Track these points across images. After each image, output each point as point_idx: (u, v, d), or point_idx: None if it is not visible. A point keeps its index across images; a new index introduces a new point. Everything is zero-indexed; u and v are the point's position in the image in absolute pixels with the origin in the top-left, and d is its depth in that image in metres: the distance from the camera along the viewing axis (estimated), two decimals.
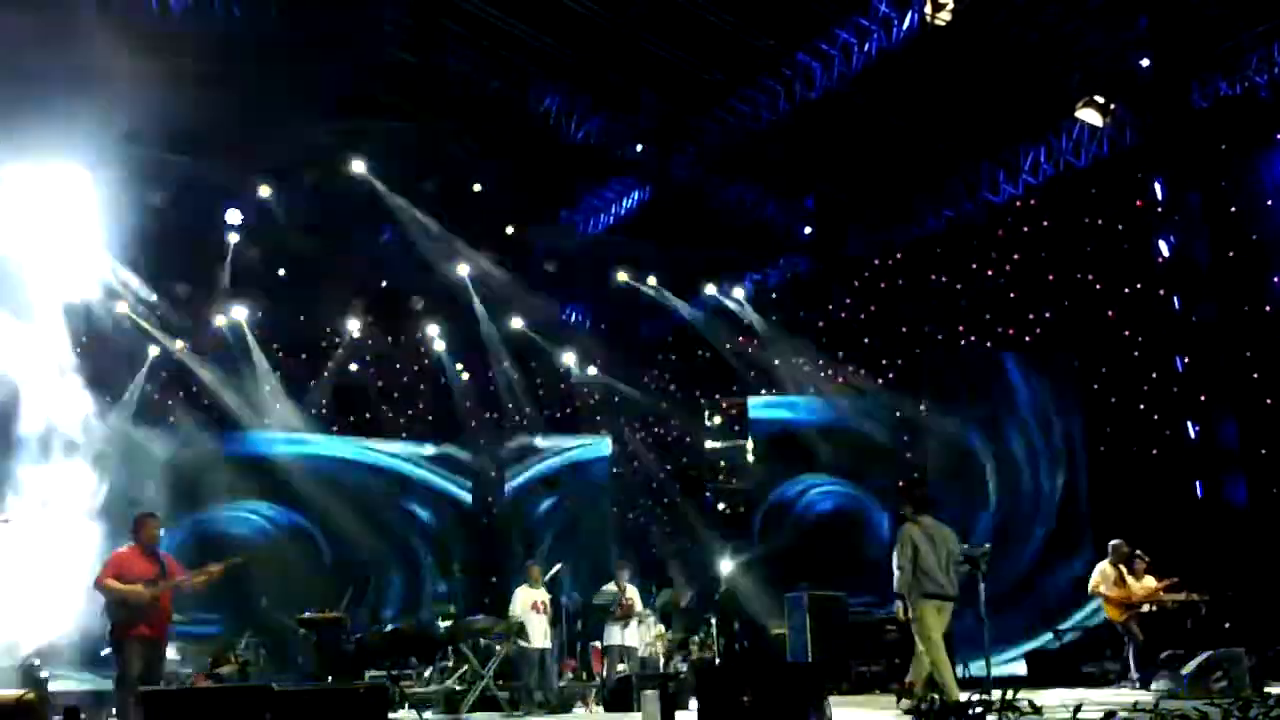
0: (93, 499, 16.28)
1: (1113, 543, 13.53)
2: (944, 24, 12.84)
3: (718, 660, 15.17)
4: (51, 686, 12.37)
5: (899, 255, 18.36)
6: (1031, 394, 16.82)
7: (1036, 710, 7.32)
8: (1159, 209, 14.90)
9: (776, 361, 19.52)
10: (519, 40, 14.81)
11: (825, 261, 19.20)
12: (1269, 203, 14.62)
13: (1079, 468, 16.69)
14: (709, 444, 20.39)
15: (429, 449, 20.48)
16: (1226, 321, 14.31)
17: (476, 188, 16.77)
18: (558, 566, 14.72)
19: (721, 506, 20.44)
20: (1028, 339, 17.36)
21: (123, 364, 17.39)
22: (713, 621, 15.59)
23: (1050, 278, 16.86)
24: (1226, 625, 13.04)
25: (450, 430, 20.53)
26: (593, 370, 20.90)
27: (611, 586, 13.56)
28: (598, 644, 14.50)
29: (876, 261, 18.69)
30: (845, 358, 19.22)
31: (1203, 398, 14.18)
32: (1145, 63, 14.26)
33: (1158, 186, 14.85)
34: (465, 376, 20.47)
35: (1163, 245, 14.77)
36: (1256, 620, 12.64)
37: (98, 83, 11.62)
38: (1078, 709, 6.17)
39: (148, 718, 7.10)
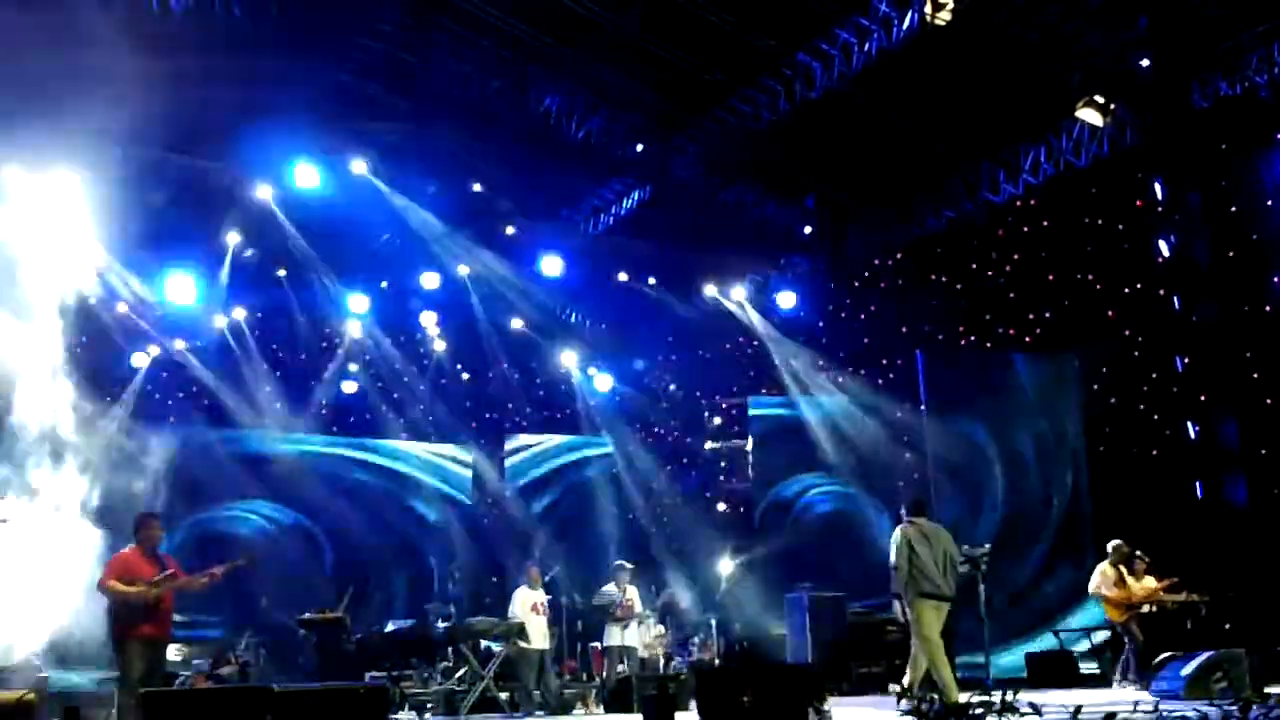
0: (91, 499, 16.31)
1: (1113, 543, 13.53)
2: (944, 24, 12.84)
3: (718, 661, 15.19)
4: (52, 686, 12.35)
5: (899, 255, 18.36)
6: (1032, 394, 16.80)
7: (1036, 711, 7.31)
8: (1159, 209, 14.89)
9: (776, 362, 19.53)
10: (520, 40, 14.80)
11: (825, 261, 19.21)
12: (1269, 203, 14.62)
13: (1080, 468, 16.68)
14: (709, 444, 20.40)
15: (429, 449, 20.48)
16: (1227, 321, 14.30)
17: (476, 187, 16.76)
18: (556, 568, 14.75)
19: (722, 507, 20.46)
20: (1028, 339, 17.36)
21: (122, 363, 17.41)
22: (713, 622, 15.61)
23: (1050, 278, 16.86)
24: (1227, 626, 13.05)
25: (450, 430, 20.53)
26: (592, 370, 20.91)
27: (612, 587, 13.55)
28: (598, 645, 14.50)
29: (877, 261, 18.69)
30: (845, 358, 19.23)
31: (1203, 398, 14.16)
32: (1145, 63, 14.25)
33: (1158, 186, 14.83)
34: (465, 376, 20.48)
35: (1163, 245, 14.76)
36: (1257, 621, 12.63)
37: (98, 82, 11.62)
38: (1078, 710, 6.15)
39: (149, 718, 7.10)
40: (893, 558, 9.90)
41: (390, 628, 14.54)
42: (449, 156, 16.37)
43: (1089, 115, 14.52)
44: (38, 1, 11.44)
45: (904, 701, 9.93)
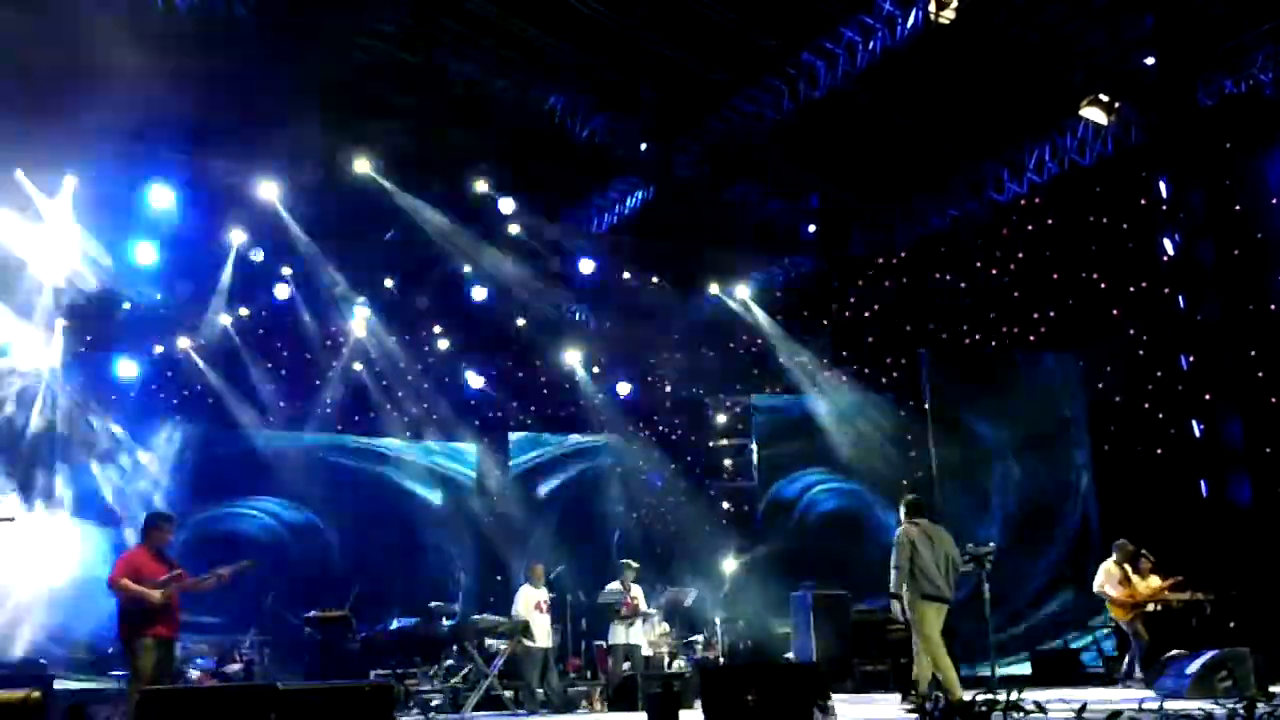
0: (97, 499, 16.35)
1: (1117, 542, 13.54)
2: (948, 22, 12.83)
3: (722, 660, 15.19)
4: (56, 685, 12.36)
5: (903, 254, 18.36)
6: (1035, 393, 16.79)
7: (1041, 710, 7.30)
8: (1164, 208, 14.86)
9: (781, 360, 19.53)
10: (523, 40, 14.80)
11: (829, 260, 19.20)
12: (1274, 201, 14.59)
13: (1084, 467, 16.66)
14: (713, 442, 20.40)
15: (434, 447, 20.50)
16: (1231, 320, 14.28)
17: (481, 187, 16.77)
18: (561, 566, 14.75)
19: (726, 505, 20.46)
20: (1032, 338, 17.34)
21: (129, 362, 17.43)
22: (717, 621, 15.60)
23: (1055, 276, 16.85)
24: (1231, 625, 13.03)
25: (454, 428, 20.55)
26: (597, 369, 20.93)
27: (616, 585, 13.55)
28: (602, 643, 14.51)
29: (881, 260, 18.68)
30: (849, 356, 19.22)
31: (1207, 396, 14.14)
32: (1150, 61, 14.23)
33: (1162, 185, 14.80)
34: (470, 374, 20.49)
35: (1167, 244, 14.74)
36: (1262, 619, 12.62)
37: (103, 80, 11.64)
38: (1082, 709, 6.15)
39: (153, 717, 7.11)
40: (894, 558, 9.91)
41: (395, 626, 14.55)
42: (453, 155, 16.37)
43: (1093, 114, 14.50)
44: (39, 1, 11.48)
45: (908, 700, 9.98)
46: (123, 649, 9.00)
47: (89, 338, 16.79)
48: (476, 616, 13.75)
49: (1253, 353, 14.51)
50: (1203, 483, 14.04)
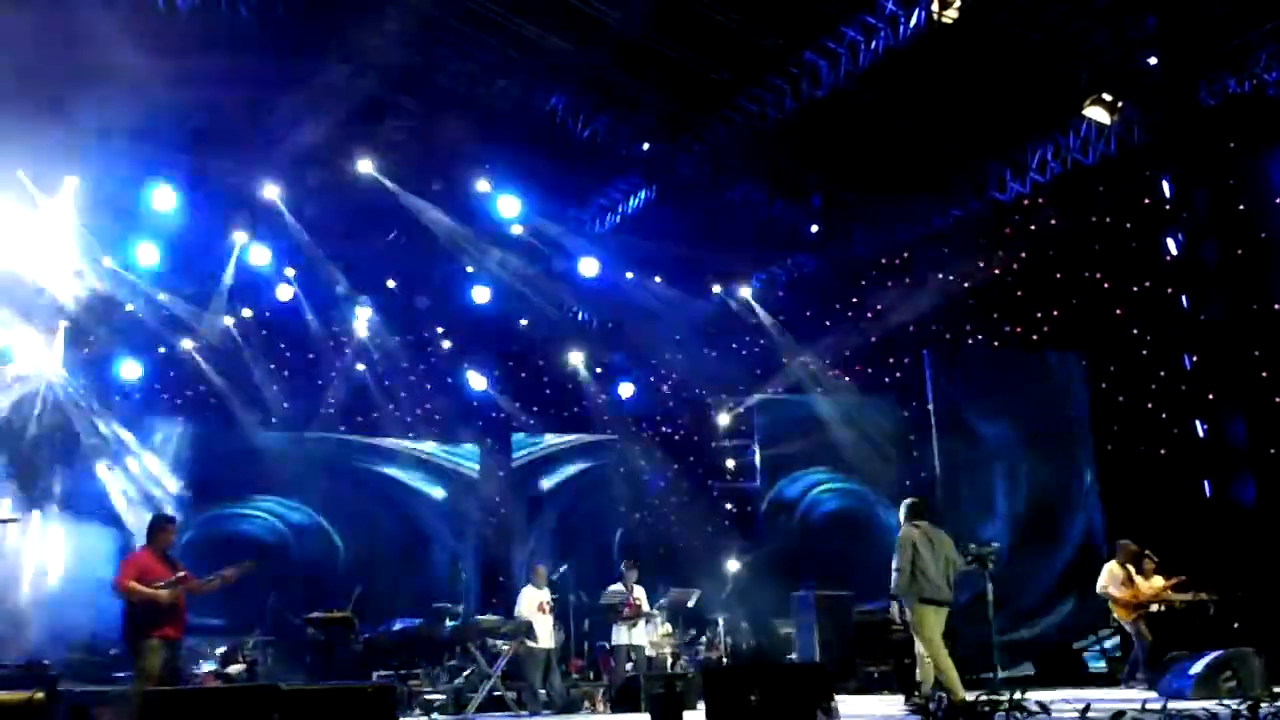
0: (99, 500, 16.36)
1: (1120, 542, 13.52)
2: (951, 21, 12.80)
3: (725, 660, 15.18)
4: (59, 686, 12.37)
5: (906, 254, 18.33)
6: (1039, 393, 16.76)
7: (1045, 710, 7.29)
8: (1167, 207, 14.84)
9: (784, 360, 19.52)
10: (525, 39, 14.80)
11: (832, 260, 19.18)
12: (1277, 200, 14.57)
13: (1087, 468, 16.64)
14: (716, 443, 20.39)
15: (436, 448, 20.49)
16: (1235, 320, 14.26)
17: (483, 187, 16.76)
18: (564, 567, 14.75)
19: (728, 505, 20.45)
20: (1035, 337, 17.33)
21: (131, 363, 17.44)
22: (720, 621, 15.59)
23: (1058, 276, 16.84)
24: (1235, 625, 13.02)
25: (457, 428, 20.54)
26: (600, 370, 20.91)
27: (619, 586, 13.56)
28: (605, 644, 14.50)
29: (883, 260, 18.66)
30: (852, 356, 19.20)
31: (1211, 396, 14.13)
32: (1153, 61, 14.21)
33: (1166, 185, 14.79)
34: (473, 374, 20.48)
35: (1171, 243, 14.71)
36: (1266, 620, 12.60)
37: (105, 81, 11.65)
38: (1086, 709, 6.15)
39: (156, 717, 7.12)
40: (896, 559, 9.91)
41: (398, 627, 14.55)
42: (455, 155, 16.37)
43: (1096, 113, 14.47)
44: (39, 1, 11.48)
45: (911, 700, 9.98)
46: (129, 650, 9.02)
47: (91, 339, 16.80)
48: (479, 617, 13.76)
49: (1256, 352, 14.49)
50: (1206, 483, 14.02)
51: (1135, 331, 16.08)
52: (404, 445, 20.26)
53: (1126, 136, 14.99)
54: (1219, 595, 13.11)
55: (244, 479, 18.34)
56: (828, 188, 17.88)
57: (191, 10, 12.87)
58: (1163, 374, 15.54)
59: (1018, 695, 6.20)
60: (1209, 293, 14.32)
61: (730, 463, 20.17)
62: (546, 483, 21.03)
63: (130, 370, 17.40)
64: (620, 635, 13.43)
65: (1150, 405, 15.82)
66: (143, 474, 16.92)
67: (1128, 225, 15.94)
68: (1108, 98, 14.26)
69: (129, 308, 16.74)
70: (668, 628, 15.01)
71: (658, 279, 19.16)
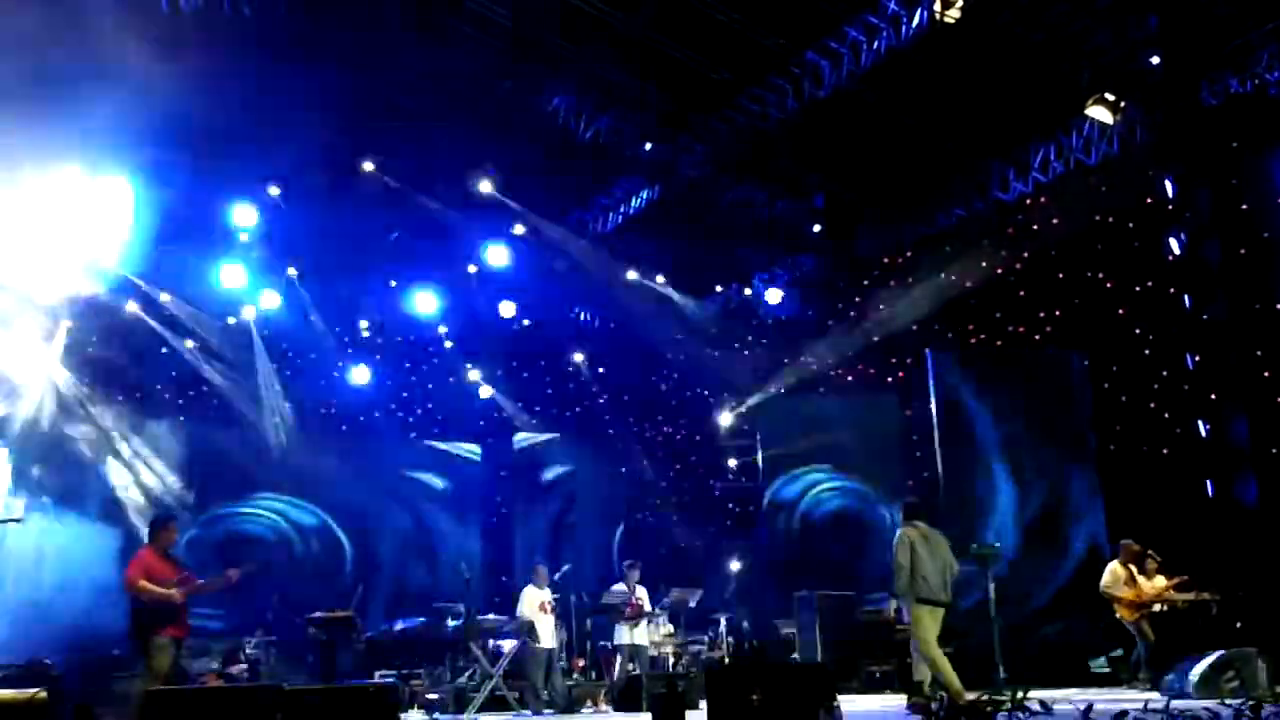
0: (101, 500, 16.38)
1: (1123, 542, 13.52)
2: (953, 21, 12.80)
3: (727, 660, 15.18)
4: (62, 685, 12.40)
5: (908, 253, 18.31)
6: (1041, 393, 16.75)
7: (1047, 710, 7.30)
8: (1169, 207, 14.82)
9: (785, 360, 19.51)
10: (528, 39, 14.79)
11: (834, 260, 19.17)
12: None
13: (1089, 468, 16.63)
14: (718, 442, 20.38)
15: (437, 448, 20.49)
16: (1237, 319, 14.24)
17: (485, 187, 16.76)
18: (565, 567, 14.76)
19: (730, 505, 20.44)
20: (1038, 337, 17.30)
21: (133, 363, 17.46)
22: (722, 621, 15.60)
23: (1060, 276, 16.81)
24: (1238, 625, 13.01)
25: (459, 428, 20.54)
26: (602, 369, 20.92)
27: (621, 586, 13.57)
28: (607, 643, 14.51)
29: (886, 259, 18.65)
30: (854, 356, 19.18)
31: (1213, 396, 14.11)
32: (1155, 60, 14.20)
33: (1168, 184, 14.77)
34: (475, 374, 20.49)
35: (1173, 243, 14.70)
36: (1268, 620, 12.58)
37: (107, 80, 11.65)
38: (1089, 709, 6.15)
39: (159, 717, 7.13)
40: (896, 558, 9.93)
41: (400, 626, 14.56)
42: (457, 155, 16.38)
43: (1099, 113, 14.46)
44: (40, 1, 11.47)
45: (913, 700, 9.98)
46: (136, 649, 9.06)
47: (94, 337, 16.81)
48: (481, 617, 13.77)
49: (1259, 352, 14.47)
50: (1209, 482, 14.00)
51: (1138, 331, 16.06)
52: (405, 445, 20.29)
53: (1129, 136, 14.98)
54: (1221, 595, 13.10)
55: (246, 478, 18.37)
56: (830, 187, 17.87)
57: (194, 11, 12.87)
58: (1165, 374, 15.51)
59: (1020, 694, 6.21)
60: (1211, 292, 14.30)
61: (732, 462, 20.16)
62: (548, 482, 21.06)
63: (133, 368, 17.39)
64: (622, 635, 13.44)
65: (1153, 405, 15.80)
66: (143, 474, 16.93)
67: (1130, 225, 15.92)
68: (1110, 97, 14.26)
69: (130, 307, 16.75)
70: (669, 627, 15.01)
71: (660, 278, 19.16)
